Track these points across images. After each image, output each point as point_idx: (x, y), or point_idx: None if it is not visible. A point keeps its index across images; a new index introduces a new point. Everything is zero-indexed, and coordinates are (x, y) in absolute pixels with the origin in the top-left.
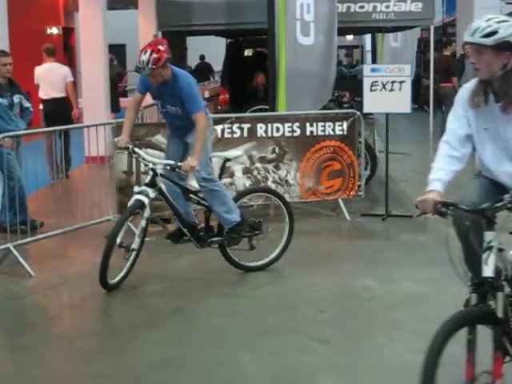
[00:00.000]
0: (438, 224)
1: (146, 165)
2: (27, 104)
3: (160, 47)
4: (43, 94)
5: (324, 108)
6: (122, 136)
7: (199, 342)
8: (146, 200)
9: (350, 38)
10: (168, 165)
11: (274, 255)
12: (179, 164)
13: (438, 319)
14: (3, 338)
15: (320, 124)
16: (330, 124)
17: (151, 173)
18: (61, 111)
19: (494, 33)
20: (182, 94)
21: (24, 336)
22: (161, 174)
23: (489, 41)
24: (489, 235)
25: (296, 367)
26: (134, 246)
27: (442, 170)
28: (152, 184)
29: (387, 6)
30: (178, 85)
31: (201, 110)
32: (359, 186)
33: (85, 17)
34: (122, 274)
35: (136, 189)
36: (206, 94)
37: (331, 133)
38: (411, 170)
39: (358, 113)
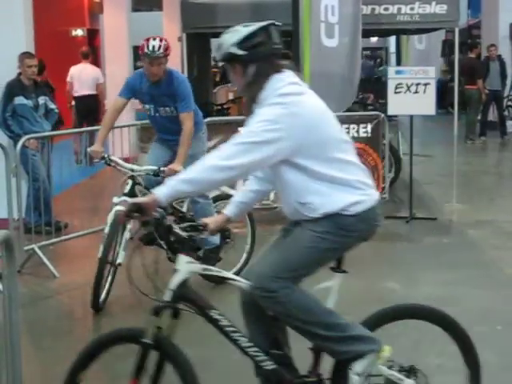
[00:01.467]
0: (463, 227)
1: (124, 173)
2: (52, 105)
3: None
4: (75, 91)
5: (348, 110)
6: (96, 146)
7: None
8: None
9: (374, 39)
10: (150, 170)
11: (240, 264)
12: (162, 169)
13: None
14: (28, 338)
15: (344, 126)
16: (355, 126)
17: (130, 181)
18: (91, 108)
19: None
20: (176, 91)
21: (48, 337)
22: (140, 184)
23: (218, 56)
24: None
25: None
26: (120, 260)
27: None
28: (131, 194)
29: (412, 8)
30: (173, 81)
31: (190, 109)
32: (383, 188)
33: (110, 19)
34: (105, 291)
35: (115, 199)
36: (230, 96)
37: (355, 135)
38: (435, 172)
39: (383, 115)
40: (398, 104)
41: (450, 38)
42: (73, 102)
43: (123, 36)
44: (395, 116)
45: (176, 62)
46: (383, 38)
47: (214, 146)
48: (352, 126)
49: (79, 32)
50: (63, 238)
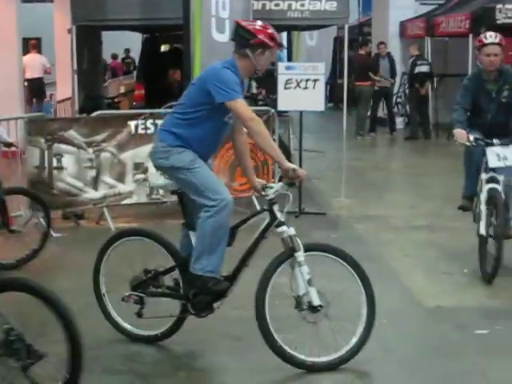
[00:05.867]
0: (351, 222)
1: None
2: None
3: None
4: (28, 75)
5: None
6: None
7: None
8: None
9: None
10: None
11: None
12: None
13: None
14: None
15: None
16: None
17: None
18: (39, 87)
19: None
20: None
21: None
22: None
23: None
24: None
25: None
26: None
27: None
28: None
29: (302, 5)
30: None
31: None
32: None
33: None
34: None
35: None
36: (122, 90)
37: (245, 129)
38: (326, 167)
39: (273, 110)
40: (287, 99)
41: (341, 34)
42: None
43: (12, 27)
44: (286, 111)
45: (66, 55)
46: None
47: (104, 140)
48: None
49: None
50: None
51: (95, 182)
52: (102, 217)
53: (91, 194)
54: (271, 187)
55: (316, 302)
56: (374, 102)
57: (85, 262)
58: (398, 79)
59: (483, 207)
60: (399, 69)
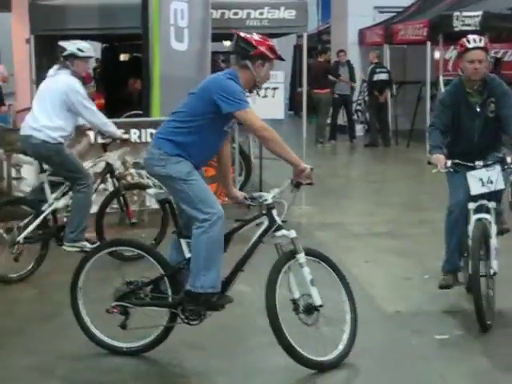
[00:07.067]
0: (311, 229)
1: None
2: None
3: None
4: None
5: None
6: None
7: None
8: None
9: (228, 43)
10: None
11: None
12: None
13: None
14: None
15: None
16: None
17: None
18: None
19: None
20: None
21: None
22: None
23: None
24: None
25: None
26: None
27: None
28: None
29: (261, 13)
30: None
31: None
32: None
33: None
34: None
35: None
36: None
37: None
38: (285, 175)
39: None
40: None
41: (300, 43)
42: None
43: None
44: None
45: (24, 65)
46: None
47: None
48: None
49: None
50: None
51: None
52: None
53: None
54: (262, 195)
55: (318, 302)
56: (333, 109)
57: (44, 272)
58: (357, 87)
59: (472, 243)
60: (358, 76)
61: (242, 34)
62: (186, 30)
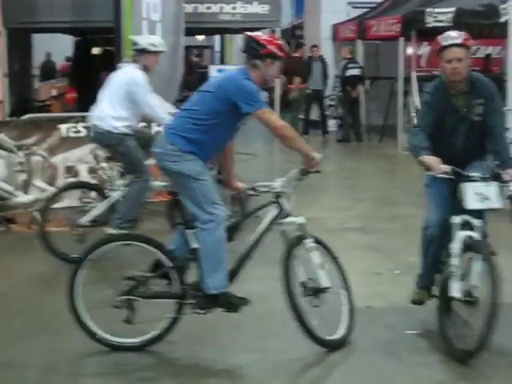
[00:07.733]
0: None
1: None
2: None
3: None
4: None
5: None
6: None
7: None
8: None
9: (201, 38)
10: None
11: None
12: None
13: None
14: None
15: None
16: None
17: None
18: None
19: None
20: None
21: None
22: None
23: None
24: None
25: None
26: None
27: None
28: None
29: (234, 8)
30: None
31: None
32: None
33: None
34: None
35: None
36: (54, 92)
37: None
38: (258, 170)
39: None
40: None
41: None
42: None
43: None
44: None
45: None
46: (210, 37)
47: (34, 144)
48: None
49: None
50: None
51: (26, 186)
52: (34, 221)
53: (22, 197)
54: (270, 184)
55: (325, 283)
56: (306, 104)
57: (16, 267)
58: (330, 82)
59: (456, 261)
60: (332, 72)
61: (253, 35)
62: (159, 24)
